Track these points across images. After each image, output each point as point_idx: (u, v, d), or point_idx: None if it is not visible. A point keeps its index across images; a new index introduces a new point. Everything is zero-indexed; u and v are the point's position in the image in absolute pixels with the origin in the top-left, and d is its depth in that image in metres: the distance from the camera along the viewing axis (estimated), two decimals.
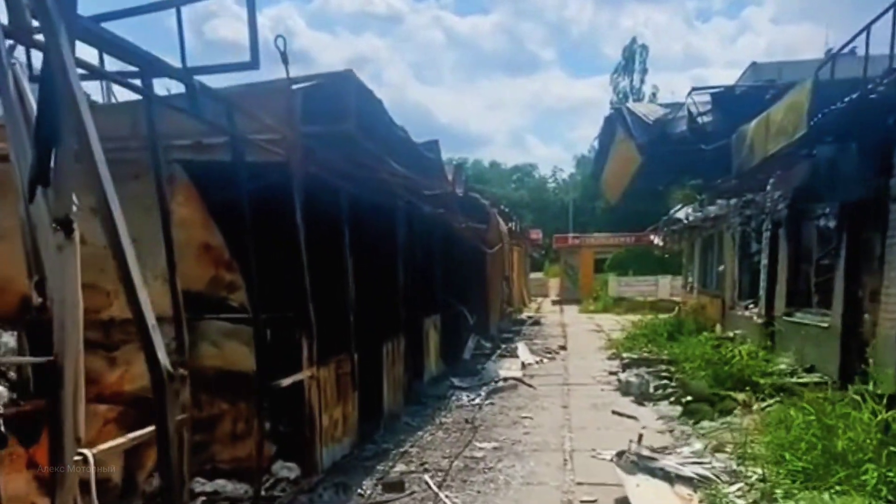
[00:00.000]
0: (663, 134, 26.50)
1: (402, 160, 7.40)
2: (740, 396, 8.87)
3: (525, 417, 8.78)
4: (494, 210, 14.57)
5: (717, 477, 5.68)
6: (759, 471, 5.69)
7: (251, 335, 5.12)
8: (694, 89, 24.14)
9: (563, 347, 16.30)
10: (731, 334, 13.63)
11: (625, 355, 13.82)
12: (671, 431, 7.93)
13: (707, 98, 25.61)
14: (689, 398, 8.77)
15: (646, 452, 6.16)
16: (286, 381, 5.27)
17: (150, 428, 2.64)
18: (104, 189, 2.40)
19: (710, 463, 6.05)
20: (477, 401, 9.87)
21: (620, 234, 38.57)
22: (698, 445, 6.75)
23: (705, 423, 8.13)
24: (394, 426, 8.20)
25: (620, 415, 8.75)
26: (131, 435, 2.94)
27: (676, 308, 21.03)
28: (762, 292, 12.60)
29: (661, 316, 24.05)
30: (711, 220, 15.95)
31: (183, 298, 4.15)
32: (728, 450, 6.58)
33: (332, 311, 6.48)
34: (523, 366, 13.12)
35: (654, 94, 62.16)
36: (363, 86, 5.62)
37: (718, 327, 15.20)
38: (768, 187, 12.46)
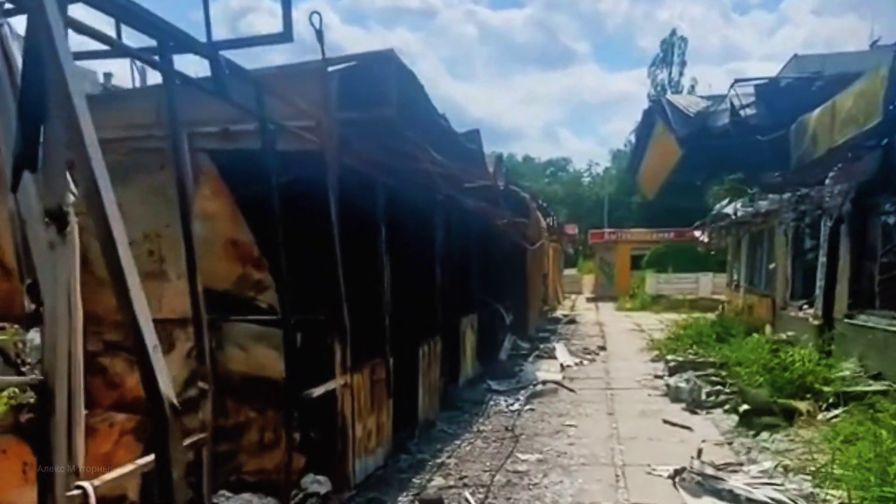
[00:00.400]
0: (704, 127, 25.63)
1: (443, 150, 6.92)
2: (802, 405, 8.23)
3: (569, 426, 8.26)
4: (534, 205, 14.00)
5: (794, 501, 5.10)
6: (842, 495, 5.10)
7: (280, 339, 4.71)
8: (737, 81, 23.26)
9: (603, 348, 15.69)
10: (783, 336, 12.88)
11: (669, 357, 13.18)
12: (730, 444, 7.34)
13: (750, 90, 24.79)
14: (746, 407, 8.15)
15: (709, 471, 5.62)
16: (318, 391, 4.84)
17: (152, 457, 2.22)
18: (94, 176, 1.97)
19: (782, 484, 5.47)
20: (516, 406, 9.38)
21: (659, 229, 37.60)
22: (767, 464, 6.15)
23: (766, 435, 7.54)
24: (429, 434, 7.75)
25: (672, 424, 8.17)
26: (140, 462, 2.52)
27: (720, 307, 20.24)
28: (819, 292, 11.85)
29: (705, 315, 23.28)
30: (762, 216, 15.16)
31: (208, 298, 3.74)
32: (800, 467, 5.99)
33: (366, 313, 6.05)
34: (562, 367, 12.59)
35: (692, 87, 60.77)
36: (404, 67, 5.14)
37: (768, 328, 14.44)
38: (827, 181, 11.71)
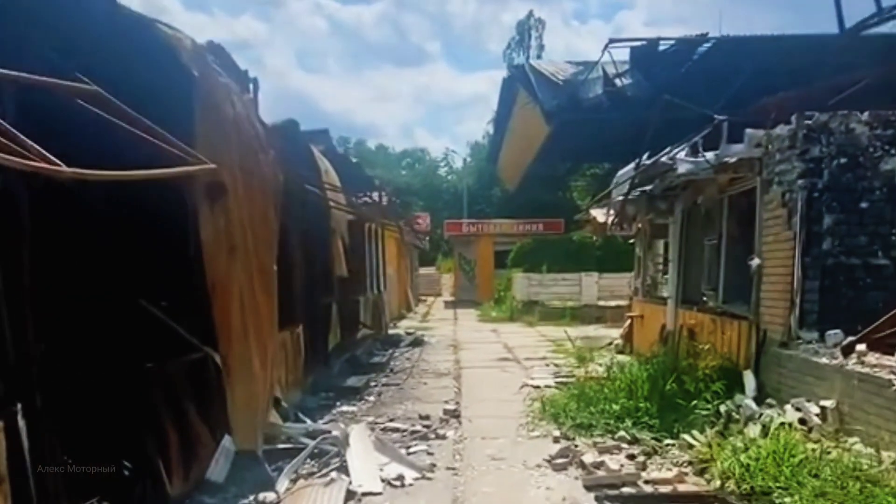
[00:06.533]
0: (575, 98, 20.31)
1: None
2: None
3: None
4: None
5: None
6: None
7: None
8: (611, 41, 18.09)
9: (455, 414, 8.44)
10: (813, 410, 6.24)
11: (589, 460, 6.16)
12: None
13: (626, 56, 19.94)
14: None
15: None
16: None
17: None
18: None
19: None
20: None
21: (526, 220, 31.63)
22: None
23: None
24: None
25: None
26: None
27: (627, 324, 13.75)
28: None
29: (599, 332, 16.91)
30: (729, 170, 8.46)
31: None
32: None
33: None
34: None
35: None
36: None
37: (749, 378, 7.83)
38: None
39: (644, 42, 19.15)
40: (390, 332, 18.44)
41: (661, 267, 13.25)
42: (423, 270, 43.34)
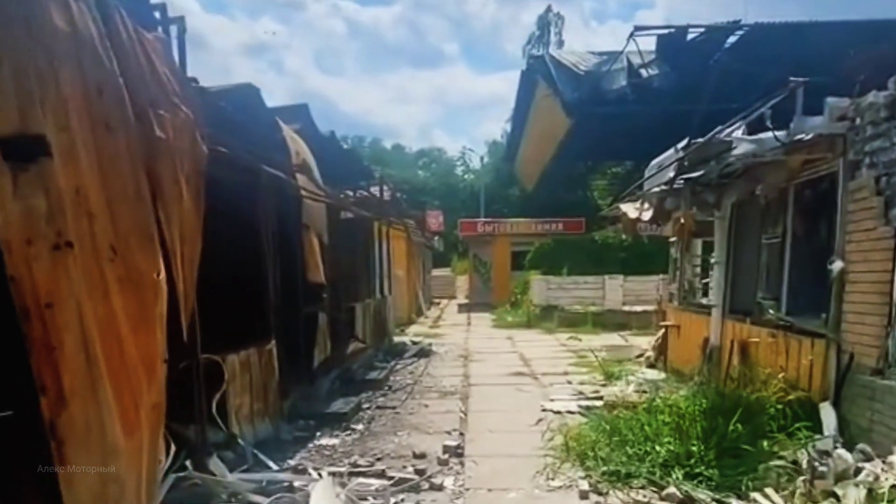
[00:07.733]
0: (597, 90, 18.90)
1: None
2: None
3: None
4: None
5: None
6: None
7: None
8: (636, 29, 17.47)
9: (457, 451, 6.85)
10: None
11: None
12: None
13: (653, 45, 18.56)
14: None
15: None
16: None
17: None
18: None
19: None
20: None
21: (545, 219, 29.98)
22: None
23: None
24: None
25: None
26: None
27: (660, 335, 12.06)
28: None
29: (618, 339, 15.26)
30: (804, 151, 6.79)
31: None
32: None
33: None
34: None
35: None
36: None
37: (828, 411, 6.17)
38: None
39: (672, 30, 17.67)
40: (395, 339, 16.89)
41: (698, 270, 11.58)
42: (437, 272, 41.83)
